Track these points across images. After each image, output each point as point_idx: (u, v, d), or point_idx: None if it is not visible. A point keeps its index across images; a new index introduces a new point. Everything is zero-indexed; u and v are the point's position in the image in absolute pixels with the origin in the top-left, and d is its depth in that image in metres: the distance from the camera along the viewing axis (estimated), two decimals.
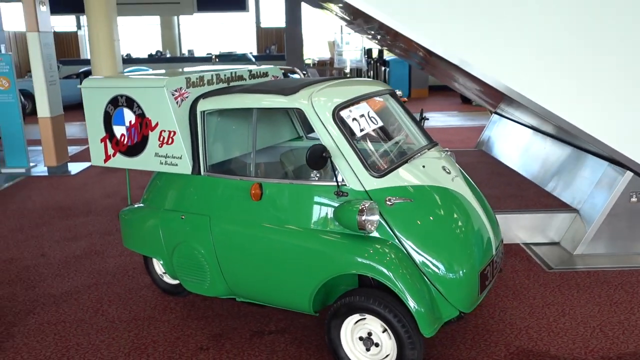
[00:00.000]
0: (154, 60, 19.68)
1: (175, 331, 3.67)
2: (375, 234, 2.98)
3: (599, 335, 3.48)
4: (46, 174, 8.29)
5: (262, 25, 23.13)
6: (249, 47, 23.14)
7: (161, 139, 3.51)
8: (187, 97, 3.52)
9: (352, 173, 3.01)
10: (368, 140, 3.30)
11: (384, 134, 3.49)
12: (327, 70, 16.35)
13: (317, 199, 3.09)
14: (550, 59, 4.33)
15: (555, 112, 4.42)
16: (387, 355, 2.98)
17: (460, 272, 2.96)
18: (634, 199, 4.72)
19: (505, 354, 3.31)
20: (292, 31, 17.40)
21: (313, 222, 3.09)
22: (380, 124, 3.34)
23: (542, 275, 4.37)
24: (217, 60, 15.57)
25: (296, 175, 3.37)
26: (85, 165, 8.61)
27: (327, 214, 3.05)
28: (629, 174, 4.67)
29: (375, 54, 17.14)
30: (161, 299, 4.11)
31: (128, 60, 19.21)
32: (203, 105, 3.47)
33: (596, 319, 3.69)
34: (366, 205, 2.87)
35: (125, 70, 13.93)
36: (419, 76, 16.87)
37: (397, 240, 2.96)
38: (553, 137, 6.04)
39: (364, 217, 2.85)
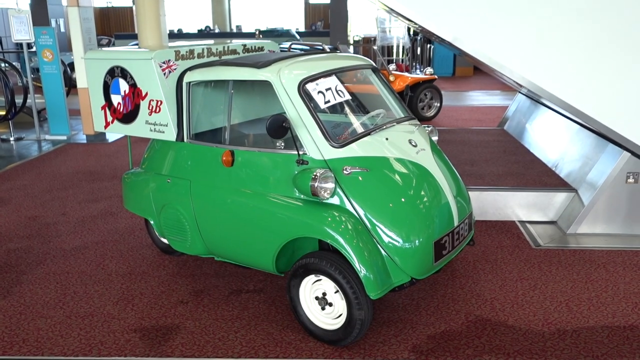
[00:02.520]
0: (202, 35, 20.16)
1: (162, 286, 3.98)
2: (333, 201, 3.15)
3: (562, 310, 3.55)
4: (85, 141, 8.82)
5: (311, 1, 23.19)
6: (297, 23, 23.29)
7: (150, 108, 3.78)
8: (175, 69, 3.77)
9: (312, 143, 3.18)
10: (334, 113, 3.45)
11: (353, 107, 3.63)
12: (370, 48, 16.27)
13: (281, 167, 3.28)
14: (546, 36, 4.32)
15: (546, 88, 4.43)
16: (340, 315, 3.17)
17: (412, 240, 3.10)
18: (630, 180, 4.66)
19: (462, 321, 3.44)
20: (337, 7, 17.40)
21: (277, 187, 3.30)
22: (348, 97, 3.48)
23: (527, 251, 4.42)
24: (260, 36, 15.82)
25: (264, 143, 3.56)
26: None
27: (289, 181, 3.25)
28: (626, 155, 4.62)
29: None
30: (157, 257, 4.43)
31: (178, 35, 19.76)
32: (188, 77, 3.70)
33: (566, 294, 3.74)
34: (319, 172, 3.04)
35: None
36: None
37: (352, 208, 3.12)
38: (565, 116, 5.96)
39: (316, 184, 3.03)
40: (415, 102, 9.76)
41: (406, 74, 10.17)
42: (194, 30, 21.28)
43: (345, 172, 3.14)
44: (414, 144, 3.46)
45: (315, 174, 3.04)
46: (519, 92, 7.98)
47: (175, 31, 20.44)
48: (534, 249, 4.46)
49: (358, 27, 21.15)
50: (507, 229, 4.87)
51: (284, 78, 3.29)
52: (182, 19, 23.41)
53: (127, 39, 19.26)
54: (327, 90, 3.37)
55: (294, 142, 3.16)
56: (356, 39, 20.00)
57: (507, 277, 4.00)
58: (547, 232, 4.84)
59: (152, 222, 4.07)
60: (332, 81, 3.44)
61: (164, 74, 3.71)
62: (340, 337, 3.15)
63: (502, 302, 3.65)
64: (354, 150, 3.22)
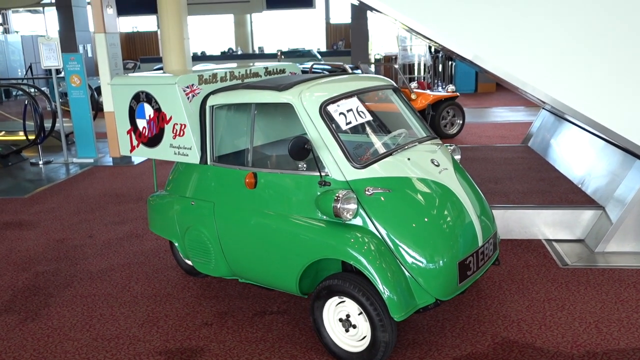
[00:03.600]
0: (225, 57, 20.47)
1: (187, 307, 4.00)
2: (356, 222, 3.15)
3: (592, 331, 3.47)
4: (111, 164, 8.98)
5: (332, 21, 23.42)
6: (318, 43, 23.51)
7: (174, 132, 3.84)
8: (198, 93, 3.83)
9: (335, 164, 3.20)
10: (355, 134, 3.46)
11: (374, 127, 3.64)
12: (391, 66, 16.33)
13: (304, 188, 3.30)
14: (569, 52, 4.31)
15: (571, 105, 4.39)
16: (364, 337, 3.15)
17: (436, 260, 3.08)
18: None
19: (489, 343, 3.39)
20: (357, 26, 17.53)
21: (300, 209, 3.31)
22: (369, 118, 3.49)
23: (554, 270, 4.35)
24: (282, 57, 16.02)
25: (287, 165, 3.59)
26: None
27: (312, 202, 3.26)
28: None
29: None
30: (182, 279, 4.47)
31: (202, 58, 20.09)
32: (211, 101, 3.76)
33: (595, 315, 3.66)
34: (342, 194, 3.05)
35: (194, 66, 14.60)
36: None
37: (374, 229, 3.12)
38: (590, 132, 5.88)
39: (339, 205, 3.04)
40: (437, 119, 9.74)
41: (428, 91, 10.17)
42: (217, 52, 21.63)
43: (367, 192, 3.14)
44: (436, 163, 3.45)
45: (337, 195, 3.05)
46: (543, 108, 7.91)
47: (199, 54, 20.80)
48: (561, 269, 4.38)
49: (379, 45, 21.25)
50: (533, 248, 4.80)
51: (305, 100, 3.32)
52: (205, 42, 23.84)
53: (152, 62, 19.65)
54: (348, 111, 3.39)
55: (315, 164, 3.18)
56: (377, 57, 20.07)
57: (534, 297, 3.93)
58: (574, 251, 4.75)
59: (176, 244, 4.11)
60: (354, 102, 3.46)
61: (188, 98, 3.77)
62: None
63: (529, 324, 3.58)
64: (376, 170, 3.22)
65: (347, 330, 3.20)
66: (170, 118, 3.83)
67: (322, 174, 3.20)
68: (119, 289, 4.36)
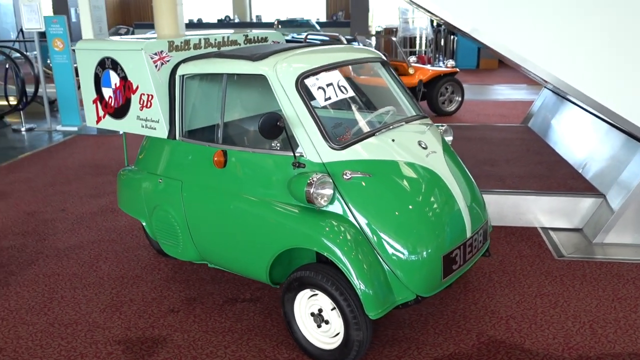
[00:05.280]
0: (221, 25, 19.90)
1: (154, 292, 3.74)
2: (334, 208, 2.86)
3: (585, 332, 3.21)
4: (95, 132, 8.66)
5: None
6: (318, 13, 22.90)
7: (141, 102, 3.52)
8: (168, 61, 3.50)
9: (310, 144, 2.89)
10: (337, 110, 3.15)
11: (358, 104, 3.32)
12: (389, 39, 15.84)
13: (277, 169, 3.00)
14: (574, 27, 3.97)
15: (574, 85, 4.08)
16: (337, 334, 2.89)
17: (418, 253, 2.80)
18: None
19: (474, 343, 3.13)
20: None
21: (272, 192, 3.02)
22: (351, 93, 3.17)
23: (548, 262, 4.08)
24: (279, 26, 15.52)
25: (260, 143, 3.28)
26: None
27: (285, 185, 2.96)
28: None
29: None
30: (153, 259, 4.20)
31: (198, 25, 19.56)
32: (182, 70, 3.44)
33: (591, 314, 3.40)
34: (316, 177, 2.75)
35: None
36: None
37: (352, 217, 2.83)
38: (596, 115, 5.56)
39: (312, 190, 2.74)
40: (435, 96, 9.38)
41: (427, 66, 9.79)
42: (213, 20, 21.05)
43: (345, 177, 2.84)
44: (423, 145, 3.14)
45: (311, 178, 2.75)
46: (545, 86, 7.56)
47: (195, 21, 20.24)
48: (557, 260, 4.11)
49: (381, 17, 20.68)
50: (527, 236, 4.52)
51: (281, 72, 3.00)
52: (202, 8, 23.21)
53: (146, 28, 19.09)
54: (328, 85, 3.07)
55: (289, 143, 2.87)
56: (378, 29, 19.54)
57: (525, 291, 3.66)
58: (571, 241, 4.48)
59: (144, 223, 3.83)
60: (335, 76, 3.13)
61: (156, 66, 3.44)
62: (336, 358, 2.87)
63: (519, 322, 3.32)
64: (356, 152, 2.92)
65: (319, 326, 2.93)
66: (137, 87, 3.51)
67: (297, 154, 2.90)
68: (85, 269, 4.09)
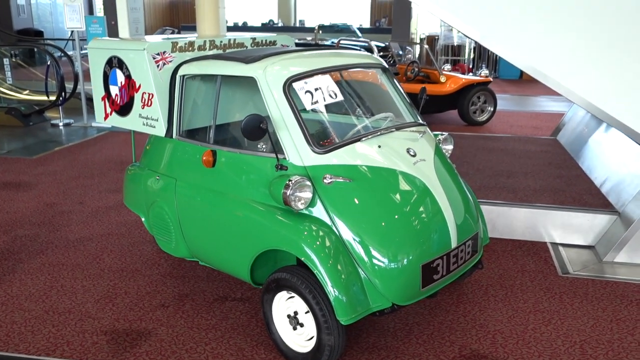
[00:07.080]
0: (265, 29, 20.15)
1: (150, 286, 3.82)
2: (316, 213, 2.86)
3: (574, 352, 3.09)
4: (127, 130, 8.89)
5: None
6: (362, 19, 22.89)
7: (143, 101, 3.62)
8: (170, 62, 3.58)
9: (293, 147, 2.90)
10: (328, 115, 3.15)
11: (348, 109, 3.31)
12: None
13: (261, 171, 3.03)
14: (593, 45, 3.86)
15: (594, 102, 3.96)
16: (311, 337, 2.88)
17: (396, 261, 2.76)
18: None
19: (455, 355, 3.06)
20: (401, 3, 16.87)
21: (257, 193, 3.04)
22: (340, 98, 3.16)
23: (551, 278, 3.95)
24: (319, 31, 15.59)
25: (247, 145, 3.31)
26: None
27: (268, 187, 2.98)
28: None
29: None
30: (154, 254, 4.29)
31: (243, 28, 19.86)
32: (182, 70, 3.51)
33: (583, 333, 3.28)
34: (293, 180, 2.76)
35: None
36: None
37: (331, 221, 2.82)
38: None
39: (289, 192, 2.75)
40: (466, 105, 9.23)
41: (459, 74, 9.64)
42: (257, 23, 21.35)
43: (325, 181, 2.84)
44: (412, 153, 3.10)
45: (289, 181, 2.76)
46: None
47: (240, 24, 20.58)
48: (560, 277, 3.98)
49: (426, 25, 20.50)
50: (535, 251, 4.40)
51: (270, 75, 3.02)
52: (249, 12, 23.56)
53: (192, 29, 19.49)
54: (316, 90, 3.07)
55: (272, 146, 2.89)
56: (422, 37, 19.37)
57: (519, 307, 3.56)
58: (580, 258, 4.33)
59: (143, 219, 3.93)
60: (325, 80, 3.13)
61: (158, 65, 3.53)
62: None
63: (505, 337, 3.24)
64: (339, 157, 2.91)
65: (294, 329, 2.94)
66: (140, 86, 3.61)
67: (280, 156, 2.91)
68: (89, 260, 4.22)
